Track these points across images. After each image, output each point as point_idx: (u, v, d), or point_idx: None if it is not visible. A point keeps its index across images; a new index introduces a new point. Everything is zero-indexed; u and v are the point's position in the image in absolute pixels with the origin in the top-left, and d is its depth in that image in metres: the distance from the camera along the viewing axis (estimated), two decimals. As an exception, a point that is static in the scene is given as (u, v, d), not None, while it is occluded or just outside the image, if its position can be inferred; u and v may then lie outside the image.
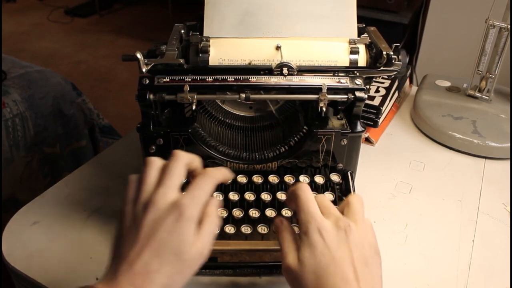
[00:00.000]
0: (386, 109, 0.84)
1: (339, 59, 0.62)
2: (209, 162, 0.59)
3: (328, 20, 0.63)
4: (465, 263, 0.59)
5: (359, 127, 0.59)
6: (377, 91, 0.84)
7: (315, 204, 0.46)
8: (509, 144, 0.78)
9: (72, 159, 1.34)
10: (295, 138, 0.60)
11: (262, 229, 0.55)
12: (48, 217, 0.64)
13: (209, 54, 0.61)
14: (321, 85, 0.56)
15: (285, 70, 0.57)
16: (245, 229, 0.55)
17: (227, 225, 0.55)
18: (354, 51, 0.62)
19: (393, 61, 0.59)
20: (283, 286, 0.45)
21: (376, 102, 0.81)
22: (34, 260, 0.58)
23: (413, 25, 2.00)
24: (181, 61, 0.57)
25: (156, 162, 0.46)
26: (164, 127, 0.57)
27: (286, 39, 0.62)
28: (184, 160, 0.46)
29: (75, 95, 1.35)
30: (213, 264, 0.54)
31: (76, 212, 0.65)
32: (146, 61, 0.56)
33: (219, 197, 0.57)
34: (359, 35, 0.65)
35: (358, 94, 0.57)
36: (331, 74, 0.58)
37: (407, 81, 0.97)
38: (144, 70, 0.55)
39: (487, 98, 0.87)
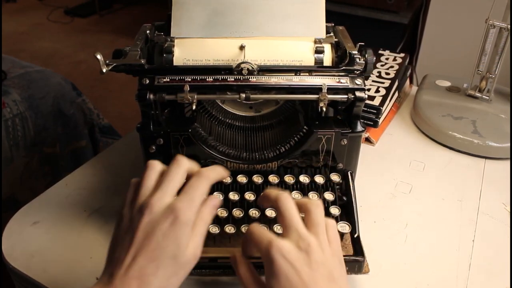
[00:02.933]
0: (386, 109, 0.84)
1: (304, 58, 0.62)
2: (209, 162, 0.59)
3: (296, 19, 0.64)
4: (465, 263, 0.59)
5: (359, 127, 0.59)
6: (377, 91, 0.84)
7: (268, 232, 0.44)
8: (509, 144, 0.78)
9: (72, 159, 1.34)
10: (295, 138, 0.60)
11: (262, 229, 0.55)
12: (48, 217, 0.64)
13: (173, 54, 0.61)
14: (321, 85, 0.56)
15: (244, 70, 0.56)
16: (245, 229, 0.55)
17: (227, 225, 0.55)
18: (319, 51, 0.62)
19: (357, 60, 0.59)
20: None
21: (376, 102, 0.81)
22: (34, 260, 0.58)
23: (413, 25, 2.00)
24: (142, 61, 0.57)
25: (156, 166, 0.46)
26: (164, 127, 0.57)
27: (251, 39, 0.62)
28: (185, 165, 0.46)
29: (75, 95, 1.34)
30: (213, 264, 0.54)
31: (76, 212, 0.65)
32: (107, 61, 0.56)
33: (219, 196, 0.57)
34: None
35: (358, 94, 0.57)
36: (293, 74, 0.58)
37: (407, 81, 0.97)
38: (104, 70, 0.56)
39: (487, 98, 0.87)
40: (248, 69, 0.56)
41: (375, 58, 0.63)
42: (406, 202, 0.69)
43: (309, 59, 0.62)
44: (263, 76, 0.57)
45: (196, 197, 0.44)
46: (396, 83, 0.87)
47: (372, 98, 0.81)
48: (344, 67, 0.58)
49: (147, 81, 0.56)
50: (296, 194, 0.59)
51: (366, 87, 0.58)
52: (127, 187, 0.46)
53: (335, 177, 0.60)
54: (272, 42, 0.62)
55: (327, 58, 0.62)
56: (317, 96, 0.56)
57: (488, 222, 0.66)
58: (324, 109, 0.57)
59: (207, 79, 0.56)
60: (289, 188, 0.59)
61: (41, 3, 3.80)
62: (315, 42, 0.62)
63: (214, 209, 0.47)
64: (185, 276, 0.42)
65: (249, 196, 0.57)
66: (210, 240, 0.56)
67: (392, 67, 0.92)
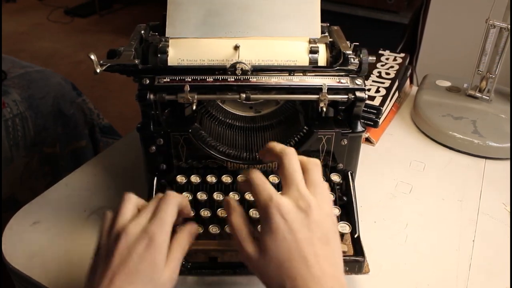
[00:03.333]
0: (386, 109, 0.84)
1: (298, 58, 0.62)
2: (209, 162, 0.59)
3: (291, 19, 0.64)
4: (465, 263, 0.59)
5: (360, 127, 0.59)
6: (377, 91, 0.84)
7: (269, 185, 0.44)
8: (509, 144, 0.78)
9: (72, 159, 1.34)
10: (295, 138, 0.60)
11: (262, 229, 0.55)
12: (48, 217, 0.64)
13: (167, 55, 0.61)
14: (322, 85, 0.56)
15: (238, 70, 0.57)
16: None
17: (227, 225, 0.55)
18: (313, 51, 0.62)
19: (352, 60, 0.59)
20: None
21: (376, 102, 0.81)
22: (34, 260, 0.58)
23: (413, 25, 2.00)
24: (136, 61, 0.57)
25: (132, 198, 0.47)
26: (164, 127, 0.57)
27: (246, 39, 0.62)
28: (175, 199, 0.46)
29: (75, 95, 1.34)
30: (213, 264, 0.54)
31: (76, 212, 0.65)
32: (101, 61, 0.56)
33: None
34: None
35: (358, 94, 0.57)
36: (287, 74, 0.58)
37: (407, 81, 0.97)
38: (98, 70, 0.56)
39: (487, 98, 0.87)
40: (242, 69, 0.56)
41: (374, 58, 0.63)
42: (406, 202, 0.69)
43: (303, 59, 0.62)
44: (263, 76, 0.57)
45: (166, 219, 0.44)
46: (396, 83, 0.87)
47: (372, 98, 0.81)
48: (338, 67, 0.58)
49: (147, 81, 0.56)
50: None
51: (366, 87, 0.58)
52: (128, 188, 0.47)
53: (335, 177, 0.60)
54: (266, 42, 0.63)
55: (322, 58, 0.62)
56: (317, 96, 0.56)
57: (488, 222, 0.66)
58: (324, 109, 0.57)
59: (207, 79, 0.56)
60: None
61: (41, 3, 3.79)
62: (310, 42, 0.63)
63: (190, 236, 0.47)
64: None
65: (249, 196, 0.57)
66: (210, 239, 0.56)
67: (392, 67, 0.92)
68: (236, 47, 0.61)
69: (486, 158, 0.79)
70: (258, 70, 0.58)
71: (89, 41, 3.16)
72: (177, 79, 0.56)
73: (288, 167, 0.45)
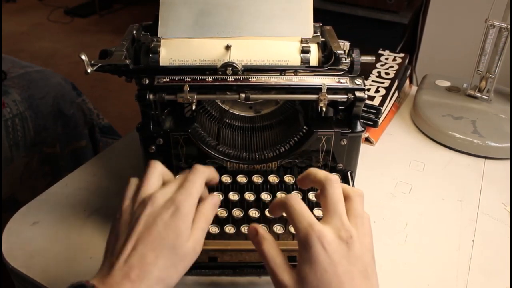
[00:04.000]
0: (386, 109, 0.84)
1: (290, 58, 0.62)
2: (209, 162, 0.59)
3: (283, 19, 0.64)
4: (465, 263, 0.59)
5: (359, 127, 0.59)
6: (377, 91, 0.84)
7: (309, 212, 0.43)
8: (509, 144, 0.78)
9: (72, 159, 1.34)
10: (295, 138, 0.60)
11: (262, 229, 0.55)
12: (48, 217, 0.64)
13: (159, 55, 0.61)
14: (321, 85, 0.56)
15: (229, 70, 0.57)
16: (245, 229, 0.55)
17: (227, 225, 0.55)
18: (305, 50, 0.62)
19: (343, 60, 0.59)
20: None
21: (376, 102, 0.81)
22: (34, 260, 0.58)
23: (413, 25, 2.00)
24: (127, 61, 0.57)
25: (158, 166, 0.47)
26: (164, 127, 0.57)
27: (238, 39, 0.62)
28: (203, 174, 0.47)
29: (75, 95, 1.34)
30: (213, 264, 0.54)
31: (76, 212, 0.65)
32: (92, 61, 0.57)
33: (219, 196, 0.57)
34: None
35: (358, 94, 0.57)
36: (278, 74, 0.58)
37: (407, 81, 0.97)
38: (89, 71, 0.56)
39: (487, 98, 0.87)
40: (232, 69, 0.57)
41: (374, 58, 0.63)
42: (406, 202, 0.69)
43: (295, 59, 0.62)
44: (262, 76, 0.57)
45: (193, 191, 0.44)
46: (396, 83, 0.87)
47: (372, 98, 0.81)
48: (329, 67, 0.58)
49: (147, 81, 0.56)
50: (295, 194, 0.59)
51: (366, 87, 0.58)
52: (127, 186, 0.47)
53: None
54: (258, 42, 0.63)
55: (314, 57, 0.63)
56: (317, 96, 0.56)
57: (488, 222, 0.66)
58: (324, 109, 0.57)
59: (207, 79, 0.56)
60: (289, 188, 0.59)
61: (41, 3, 3.80)
62: (302, 42, 0.63)
63: (215, 207, 0.47)
64: (184, 270, 0.42)
65: (249, 196, 0.57)
66: (210, 239, 0.56)
67: (392, 67, 0.92)
68: (228, 47, 0.61)
69: (486, 158, 0.79)
70: (249, 70, 0.58)
71: (89, 41, 3.16)
72: (176, 79, 0.56)
73: (332, 196, 0.44)
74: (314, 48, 0.63)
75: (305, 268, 0.40)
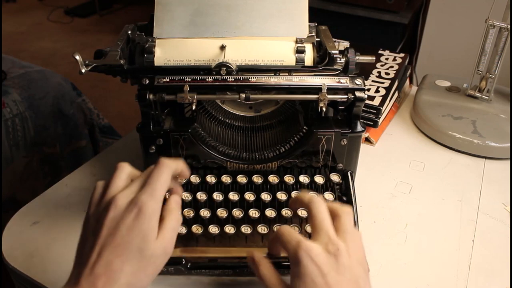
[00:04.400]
0: (386, 109, 0.84)
1: (285, 58, 0.62)
2: (208, 162, 0.59)
3: (278, 19, 0.64)
4: (465, 263, 0.59)
5: (359, 127, 0.59)
6: (377, 91, 0.84)
7: (297, 233, 0.45)
8: (509, 144, 0.78)
9: (72, 159, 1.34)
10: (295, 138, 0.60)
11: (262, 229, 0.55)
12: (48, 217, 0.64)
13: (154, 55, 0.61)
14: (321, 85, 0.56)
15: (223, 70, 0.57)
16: (245, 229, 0.55)
17: (227, 225, 0.55)
18: (300, 50, 0.62)
19: (337, 60, 0.59)
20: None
21: (376, 102, 0.81)
22: (34, 260, 0.58)
23: (413, 25, 2.00)
24: (121, 61, 0.57)
25: (125, 168, 0.46)
26: (164, 127, 0.57)
27: (233, 39, 0.62)
28: (169, 167, 0.45)
29: (75, 95, 1.35)
30: (213, 264, 0.54)
31: (76, 212, 0.65)
32: (86, 61, 0.57)
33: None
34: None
35: (358, 94, 0.57)
36: (272, 74, 0.58)
37: (407, 81, 0.97)
38: (83, 71, 0.56)
39: (487, 98, 0.87)
40: (226, 69, 0.57)
41: (374, 58, 0.63)
42: (406, 202, 0.69)
43: (290, 59, 0.62)
44: (262, 76, 0.57)
45: (157, 187, 0.43)
46: (396, 83, 0.87)
47: (372, 98, 0.81)
48: (323, 67, 0.58)
49: (147, 81, 0.56)
50: (295, 194, 0.59)
51: (366, 87, 0.58)
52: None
53: (335, 177, 0.60)
54: (253, 42, 0.63)
55: (309, 57, 0.63)
56: (317, 96, 0.56)
57: (488, 222, 0.66)
58: (324, 109, 0.57)
59: (207, 79, 0.56)
60: (289, 188, 0.59)
61: (41, 3, 3.80)
62: (297, 42, 0.63)
63: (178, 198, 0.46)
64: (154, 273, 0.42)
65: (249, 196, 0.57)
66: (210, 240, 0.56)
67: (392, 67, 0.92)
68: (223, 47, 0.61)
69: (486, 158, 0.79)
70: (244, 70, 0.58)
71: (89, 41, 3.16)
72: (176, 79, 0.56)
73: (317, 215, 0.46)
74: (309, 48, 0.63)
75: (296, 282, 0.42)
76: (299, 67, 0.61)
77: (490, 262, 0.59)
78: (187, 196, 0.57)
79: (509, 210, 0.68)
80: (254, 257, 0.47)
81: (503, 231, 0.64)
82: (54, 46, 3.08)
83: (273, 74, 0.58)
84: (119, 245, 0.40)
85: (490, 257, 0.60)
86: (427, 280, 0.56)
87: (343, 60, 0.59)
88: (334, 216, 0.47)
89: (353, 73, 0.60)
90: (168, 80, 0.56)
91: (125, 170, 0.45)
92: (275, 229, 0.54)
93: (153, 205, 0.42)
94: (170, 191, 0.47)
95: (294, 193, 0.58)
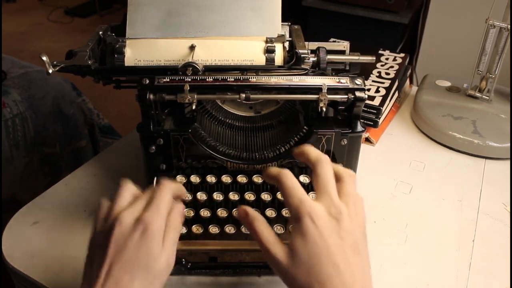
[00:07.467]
0: (386, 109, 0.84)
1: (255, 58, 0.62)
2: (209, 162, 0.59)
3: (251, 19, 0.64)
4: (465, 263, 0.59)
5: (359, 127, 0.59)
6: (377, 91, 0.84)
7: (301, 188, 0.44)
8: (509, 144, 0.78)
9: (72, 159, 1.34)
10: (295, 138, 0.60)
11: (262, 229, 0.55)
12: (48, 217, 0.64)
13: (124, 55, 0.61)
14: (321, 85, 0.56)
15: (189, 70, 0.57)
16: (245, 229, 0.55)
17: (227, 225, 0.55)
18: (270, 50, 0.62)
19: (306, 59, 0.59)
20: (283, 286, 0.45)
21: (376, 102, 0.81)
22: (34, 260, 0.58)
23: (413, 25, 2.00)
24: (89, 62, 0.58)
25: (129, 187, 0.47)
26: (164, 127, 0.57)
27: (203, 39, 0.62)
28: (170, 188, 0.46)
29: (75, 95, 1.35)
30: (213, 264, 0.54)
31: (76, 212, 0.65)
32: (54, 62, 0.57)
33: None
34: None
35: (358, 94, 0.57)
36: (240, 73, 0.58)
37: (407, 81, 0.97)
38: (50, 71, 0.56)
39: (487, 98, 0.87)
40: (193, 69, 0.57)
41: (374, 58, 0.63)
42: (406, 202, 0.69)
43: (260, 59, 0.62)
44: (263, 76, 0.57)
45: (161, 206, 0.44)
46: (396, 83, 0.87)
47: (372, 98, 0.81)
48: (289, 66, 0.59)
49: (147, 81, 0.56)
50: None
51: (366, 87, 0.58)
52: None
53: (335, 177, 0.60)
54: (223, 42, 0.63)
55: (279, 57, 0.63)
56: (317, 96, 0.56)
57: (488, 222, 0.66)
58: (324, 109, 0.57)
59: (207, 79, 0.56)
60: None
61: (41, 3, 3.80)
62: (267, 41, 0.63)
63: (181, 216, 0.47)
64: (161, 286, 0.43)
65: (249, 196, 0.57)
66: (210, 239, 0.56)
67: (392, 67, 0.92)
68: (192, 47, 0.61)
69: (486, 158, 0.79)
70: (211, 70, 0.58)
71: (89, 41, 3.16)
72: (177, 79, 0.56)
73: (322, 176, 0.45)
74: (279, 47, 0.63)
75: (297, 240, 0.41)
76: (267, 67, 0.62)
77: (490, 262, 0.59)
78: (187, 196, 0.57)
79: (509, 210, 0.68)
80: (247, 210, 0.46)
81: (503, 231, 0.64)
82: (54, 46, 3.08)
83: (240, 74, 0.58)
84: (127, 262, 0.41)
85: (490, 257, 0.60)
86: (427, 280, 0.56)
87: (311, 59, 0.59)
88: (337, 179, 0.46)
89: (325, 71, 0.60)
90: (168, 80, 0.56)
91: (129, 189, 0.47)
92: (275, 229, 0.54)
93: (158, 223, 0.43)
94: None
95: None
